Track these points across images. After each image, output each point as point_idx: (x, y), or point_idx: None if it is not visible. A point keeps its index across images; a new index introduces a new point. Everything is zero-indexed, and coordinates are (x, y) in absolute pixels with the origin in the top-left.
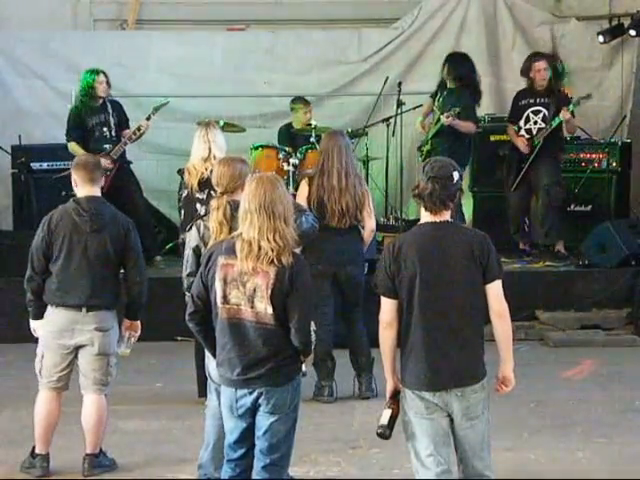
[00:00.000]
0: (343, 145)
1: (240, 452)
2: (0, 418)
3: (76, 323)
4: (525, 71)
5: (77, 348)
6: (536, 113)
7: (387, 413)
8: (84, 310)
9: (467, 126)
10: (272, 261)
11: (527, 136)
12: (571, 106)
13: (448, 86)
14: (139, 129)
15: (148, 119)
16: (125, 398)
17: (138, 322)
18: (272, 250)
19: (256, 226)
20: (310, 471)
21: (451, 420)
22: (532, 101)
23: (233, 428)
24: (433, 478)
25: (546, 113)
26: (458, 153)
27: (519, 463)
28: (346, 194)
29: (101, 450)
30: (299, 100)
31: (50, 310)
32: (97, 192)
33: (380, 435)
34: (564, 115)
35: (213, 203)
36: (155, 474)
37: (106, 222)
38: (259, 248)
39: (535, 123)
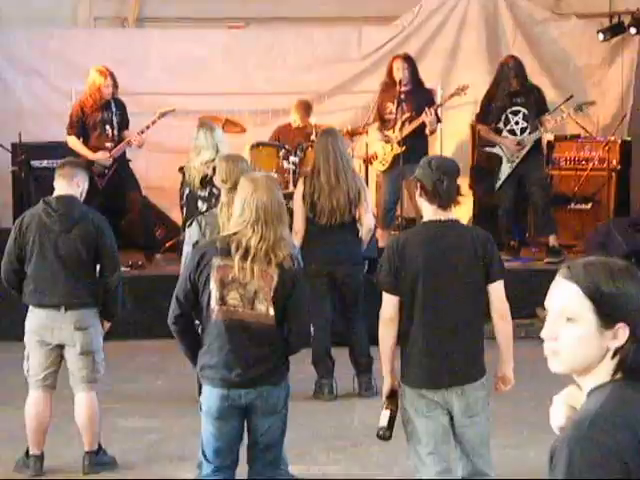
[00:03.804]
0: (333, 143)
1: (232, 457)
2: (1, 416)
3: (55, 321)
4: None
5: (61, 347)
6: (515, 113)
7: (386, 414)
8: (62, 309)
9: (436, 128)
10: (274, 264)
11: (511, 137)
12: (560, 120)
13: (403, 88)
14: (130, 142)
15: (154, 123)
16: (125, 396)
17: (108, 323)
18: (274, 255)
19: (259, 233)
20: (310, 469)
21: (451, 418)
22: (508, 102)
23: (222, 433)
24: (433, 476)
25: (526, 112)
26: (426, 151)
27: (519, 460)
28: (336, 191)
29: (101, 448)
30: (296, 103)
31: (30, 309)
32: (69, 190)
33: (381, 437)
34: (546, 126)
35: (223, 199)
36: (155, 472)
37: (75, 221)
38: (256, 253)
39: (517, 123)
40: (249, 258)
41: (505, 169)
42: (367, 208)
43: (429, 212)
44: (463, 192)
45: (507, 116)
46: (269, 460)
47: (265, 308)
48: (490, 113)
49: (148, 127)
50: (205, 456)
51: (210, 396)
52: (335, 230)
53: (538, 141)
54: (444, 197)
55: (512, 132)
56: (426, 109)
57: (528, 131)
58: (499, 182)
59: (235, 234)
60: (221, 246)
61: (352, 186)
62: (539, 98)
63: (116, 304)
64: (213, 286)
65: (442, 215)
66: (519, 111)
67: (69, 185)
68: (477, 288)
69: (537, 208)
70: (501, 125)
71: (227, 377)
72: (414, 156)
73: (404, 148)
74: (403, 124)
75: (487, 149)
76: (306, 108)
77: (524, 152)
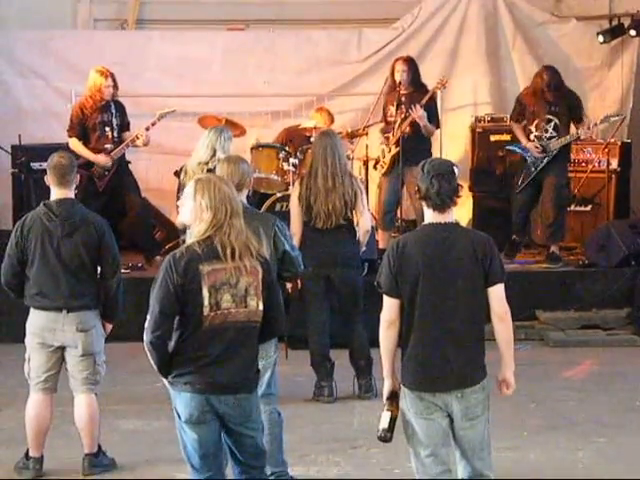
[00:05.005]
0: (330, 145)
1: (218, 463)
2: (1, 417)
3: (57, 323)
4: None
5: (62, 349)
6: (548, 122)
7: (387, 416)
8: (64, 312)
9: (433, 130)
10: (255, 255)
11: (537, 142)
12: (593, 125)
13: (403, 91)
14: (137, 137)
15: (154, 124)
16: (125, 398)
17: (110, 325)
18: (251, 245)
19: (235, 227)
20: (310, 471)
21: (451, 420)
22: (543, 109)
23: (205, 438)
24: (433, 478)
25: (557, 122)
26: (429, 153)
27: (519, 462)
28: (333, 194)
29: (100, 449)
30: (323, 109)
31: (31, 312)
32: (69, 194)
33: (381, 439)
34: (584, 133)
35: None
36: (155, 474)
37: (77, 225)
38: (240, 248)
39: (546, 131)
40: (236, 255)
41: (530, 171)
42: (364, 210)
43: (428, 215)
44: (464, 193)
45: (540, 122)
46: (259, 467)
47: (255, 303)
48: (522, 114)
49: (148, 129)
50: (193, 466)
51: (190, 403)
52: (332, 232)
53: (566, 146)
54: (436, 201)
55: (539, 138)
56: (412, 106)
57: (555, 139)
58: (522, 183)
59: (211, 237)
60: (203, 251)
61: (348, 189)
62: (574, 106)
63: (117, 306)
64: (205, 294)
65: (440, 218)
66: (551, 120)
67: (70, 190)
68: (477, 290)
69: (547, 216)
70: (532, 127)
71: (210, 382)
72: (415, 158)
73: (399, 149)
74: (400, 126)
75: (510, 148)
76: (330, 115)
77: (547, 159)
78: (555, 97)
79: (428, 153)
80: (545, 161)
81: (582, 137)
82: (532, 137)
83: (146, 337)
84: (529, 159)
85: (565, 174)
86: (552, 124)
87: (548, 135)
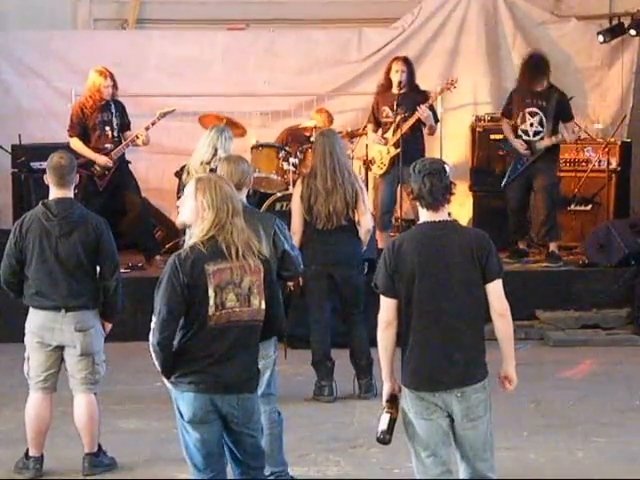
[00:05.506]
0: (328, 146)
1: (222, 462)
2: (0, 417)
3: (55, 323)
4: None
5: (61, 349)
6: (533, 115)
7: (386, 418)
8: (63, 311)
9: (435, 128)
10: (256, 254)
11: (524, 137)
12: (579, 130)
13: (401, 91)
14: (137, 137)
15: (154, 124)
16: (125, 398)
17: (110, 324)
18: (253, 244)
19: (237, 226)
20: (310, 470)
21: (452, 420)
22: (529, 101)
23: (208, 438)
24: (433, 479)
25: (543, 117)
26: (423, 153)
27: (519, 462)
28: (334, 195)
29: (101, 449)
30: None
31: (30, 311)
32: (68, 193)
33: (380, 441)
34: (569, 139)
35: None
36: (155, 474)
37: (75, 225)
38: (243, 247)
39: (532, 125)
40: (240, 255)
41: (516, 168)
42: (365, 209)
43: (423, 214)
44: (465, 193)
45: (524, 114)
46: (259, 468)
47: (258, 302)
48: (512, 108)
49: (148, 128)
50: (196, 467)
51: (193, 402)
52: (333, 232)
53: (554, 146)
54: (429, 199)
55: (525, 132)
56: (418, 106)
57: (540, 136)
58: (507, 179)
59: (214, 236)
60: (208, 251)
61: (349, 189)
62: (562, 105)
63: (116, 306)
64: (212, 294)
65: (435, 216)
66: (536, 113)
67: (69, 189)
68: (475, 288)
69: (540, 215)
70: (518, 121)
71: (214, 382)
72: (413, 158)
73: (400, 149)
74: (398, 126)
75: (502, 145)
76: (330, 116)
77: (534, 157)
78: (542, 88)
79: (423, 153)
80: (531, 160)
81: (568, 141)
82: (519, 132)
83: (153, 339)
84: (516, 157)
85: (554, 173)
86: (537, 117)
87: (534, 130)
